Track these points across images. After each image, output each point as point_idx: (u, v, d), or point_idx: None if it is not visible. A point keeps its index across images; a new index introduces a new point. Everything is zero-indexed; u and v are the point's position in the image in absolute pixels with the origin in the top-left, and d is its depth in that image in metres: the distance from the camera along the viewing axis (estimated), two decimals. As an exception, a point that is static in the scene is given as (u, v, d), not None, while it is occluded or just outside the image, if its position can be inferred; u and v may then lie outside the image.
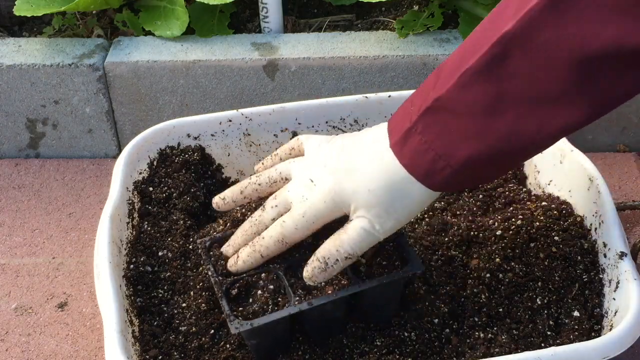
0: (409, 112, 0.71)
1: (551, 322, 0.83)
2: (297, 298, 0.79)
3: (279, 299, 0.80)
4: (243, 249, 0.81)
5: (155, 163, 1.00)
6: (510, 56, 0.64)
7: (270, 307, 0.79)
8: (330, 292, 0.79)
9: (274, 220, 0.80)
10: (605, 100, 0.64)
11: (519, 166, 0.73)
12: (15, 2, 1.25)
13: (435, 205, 0.97)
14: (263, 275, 0.81)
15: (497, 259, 0.87)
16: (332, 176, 0.76)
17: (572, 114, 0.65)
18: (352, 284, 0.79)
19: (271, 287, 0.80)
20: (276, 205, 0.80)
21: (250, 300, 0.80)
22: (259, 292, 0.81)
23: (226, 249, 0.83)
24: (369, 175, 0.73)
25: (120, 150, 1.29)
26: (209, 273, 0.83)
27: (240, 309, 0.79)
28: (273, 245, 0.79)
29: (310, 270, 0.77)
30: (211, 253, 0.85)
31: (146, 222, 0.94)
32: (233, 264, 0.82)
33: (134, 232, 0.93)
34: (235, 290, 0.81)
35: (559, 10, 0.61)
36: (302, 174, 0.79)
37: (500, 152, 0.68)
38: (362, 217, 0.74)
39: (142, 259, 0.90)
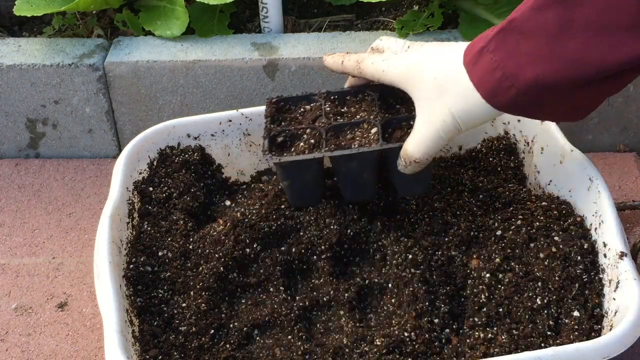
0: (486, 34, 0.74)
1: (551, 322, 0.83)
2: (326, 148, 0.88)
3: (316, 151, 0.89)
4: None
5: (155, 163, 1.00)
6: None
7: (305, 154, 0.89)
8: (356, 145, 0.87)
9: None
10: None
11: (582, 103, 0.75)
12: (15, 2, 1.25)
13: (435, 205, 0.97)
14: (308, 130, 0.91)
15: (497, 259, 0.87)
16: (411, 56, 0.82)
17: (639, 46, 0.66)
18: (379, 143, 0.86)
19: (312, 141, 0.90)
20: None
21: (292, 149, 0.90)
22: (301, 143, 0.90)
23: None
24: (439, 68, 0.78)
25: (120, 150, 1.29)
26: (264, 121, 0.93)
27: (280, 153, 0.90)
28: (350, 65, 0.89)
29: (398, 165, 0.85)
30: (273, 108, 0.95)
31: (146, 222, 0.94)
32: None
33: (134, 232, 0.93)
34: (282, 138, 0.91)
35: None
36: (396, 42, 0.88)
37: (565, 76, 0.69)
38: (422, 112, 0.80)
39: (142, 259, 0.90)
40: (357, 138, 0.89)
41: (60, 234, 1.16)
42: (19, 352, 0.98)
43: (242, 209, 0.92)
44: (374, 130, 0.88)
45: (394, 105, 0.92)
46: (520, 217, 0.92)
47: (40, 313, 1.03)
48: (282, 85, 1.23)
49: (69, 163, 1.29)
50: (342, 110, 0.94)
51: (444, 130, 0.79)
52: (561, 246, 0.87)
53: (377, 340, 0.82)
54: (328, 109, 0.93)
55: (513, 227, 0.90)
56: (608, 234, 0.85)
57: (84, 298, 1.05)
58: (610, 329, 0.78)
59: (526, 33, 0.70)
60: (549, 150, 0.98)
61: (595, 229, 0.87)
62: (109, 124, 1.27)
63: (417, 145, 0.82)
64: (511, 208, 0.94)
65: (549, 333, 0.82)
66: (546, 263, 0.86)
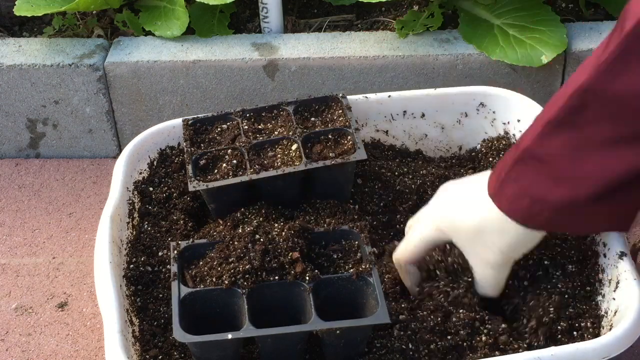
0: (504, 163, 0.76)
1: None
2: (251, 169, 0.89)
3: (240, 172, 0.90)
4: None
5: (155, 163, 1.00)
6: (587, 106, 0.68)
7: (230, 177, 0.89)
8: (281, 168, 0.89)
9: None
10: None
11: (621, 210, 0.74)
12: (16, 2, 1.25)
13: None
14: (229, 151, 0.92)
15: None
16: (441, 203, 0.83)
17: None
18: (302, 163, 0.89)
19: (234, 161, 0.91)
20: (408, 226, 0.88)
21: (215, 171, 0.91)
22: (224, 165, 0.91)
23: None
24: (472, 213, 0.78)
25: (120, 150, 1.29)
26: (184, 144, 0.94)
27: (204, 176, 0.90)
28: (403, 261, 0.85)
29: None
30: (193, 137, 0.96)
31: (146, 222, 0.94)
32: None
33: (134, 232, 0.93)
34: (204, 161, 0.92)
35: (629, 62, 0.65)
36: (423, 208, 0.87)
37: (590, 192, 0.70)
38: (471, 257, 0.81)
39: (142, 259, 0.90)
40: (279, 155, 0.91)
41: (61, 234, 1.16)
42: (19, 352, 0.98)
43: (243, 208, 0.92)
44: (294, 146, 0.91)
45: (309, 119, 0.97)
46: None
47: (41, 313, 1.03)
48: (282, 85, 1.23)
49: (69, 163, 1.29)
50: (260, 127, 0.96)
51: (499, 265, 0.80)
52: (561, 246, 0.87)
53: (376, 341, 0.82)
54: (246, 127, 0.96)
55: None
56: (608, 234, 0.84)
57: (84, 298, 1.05)
58: (610, 329, 0.78)
59: (542, 159, 0.72)
60: (549, 150, 0.98)
61: (595, 229, 0.87)
62: (109, 124, 1.27)
63: (488, 287, 0.82)
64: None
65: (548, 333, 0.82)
66: (546, 263, 0.86)
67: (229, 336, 0.74)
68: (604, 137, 0.68)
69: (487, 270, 0.80)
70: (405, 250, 0.84)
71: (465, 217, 0.79)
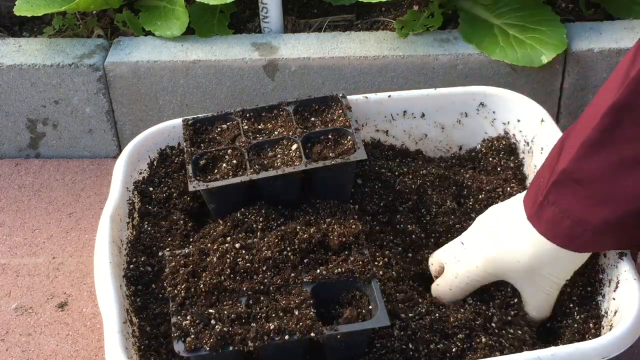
0: (539, 186, 0.78)
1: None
2: (251, 169, 0.89)
3: (240, 172, 0.90)
4: None
5: (155, 163, 1.00)
6: (621, 124, 0.70)
7: (230, 177, 0.89)
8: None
9: (435, 277, 0.87)
10: None
11: None
12: (16, 2, 1.25)
13: (434, 205, 0.97)
14: (229, 151, 0.92)
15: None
16: (481, 243, 0.83)
17: None
18: (302, 163, 0.88)
19: (234, 161, 0.91)
20: (432, 264, 0.88)
21: (215, 171, 0.91)
22: (224, 165, 0.91)
23: None
24: (515, 247, 0.80)
25: (120, 150, 1.29)
26: (184, 144, 0.94)
27: (204, 176, 0.90)
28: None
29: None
30: (192, 132, 0.95)
31: (146, 222, 0.94)
32: None
33: (134, 232, 0.93)
34: (204, 161, 0.91)
35: None
36: (454, 242, 0.87)
37: (630, 210, 0.72)
38: (524, 288, 0.82)
39: (142, 259, 0.90)
40: (279, 155, 0.91)
41: (60, 234, 1.16)
42: (19, 352, 0.98)
43: (243, 209, 0.92)
44: (294, 146, 0.91)
45: (309, 119, 0.96)
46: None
47: (41, 313, 1.03)
48: (282, 85, 1.23)
49: (69, 163, 1.29)
50: (260, 127, 0.96)
51: (554, 290, 0.82)
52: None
53: (377, 342, 0.82)
54: (246, 127, 0.96)
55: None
56: (608, 234, 0.85)
57: (84, 298, 1.05)
58: (610, 329, 0.78)
59: (581, 181, 0.73)
60: (549, 150, 0.98)
61: (595, 229, 0.87)
62: (109, 124, 1.27)
63: (543, 311, 0.84)
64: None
65: (549, 333, 0.82)
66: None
67: (230, 348, 0.74)
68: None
69: (542, 296, 0.82)
70: (452, 293, 0.85)
71: (516, 256, 0.80)
